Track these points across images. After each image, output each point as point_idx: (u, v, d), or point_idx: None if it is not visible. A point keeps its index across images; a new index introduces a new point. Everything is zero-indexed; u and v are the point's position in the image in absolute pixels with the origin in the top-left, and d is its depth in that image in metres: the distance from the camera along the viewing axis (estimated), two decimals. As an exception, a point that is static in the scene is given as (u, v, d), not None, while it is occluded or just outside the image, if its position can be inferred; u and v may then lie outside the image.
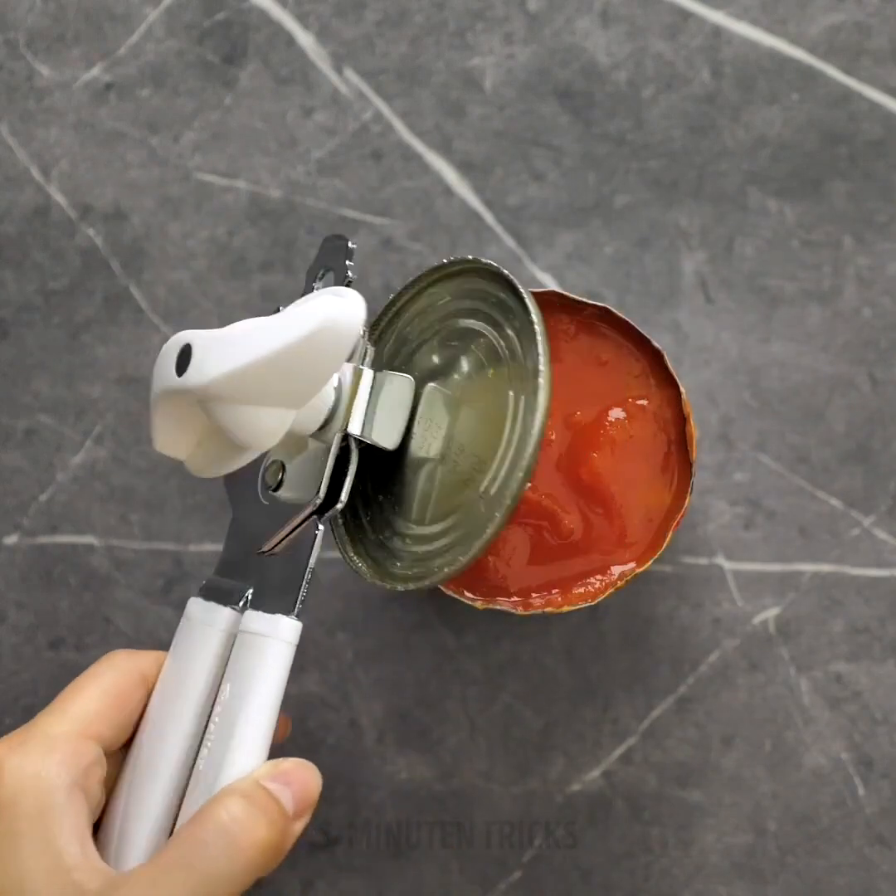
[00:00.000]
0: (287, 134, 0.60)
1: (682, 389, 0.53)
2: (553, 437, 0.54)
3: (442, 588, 0.53)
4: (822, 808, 0.59)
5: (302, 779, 0.47)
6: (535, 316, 0.47)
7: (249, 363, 0.43)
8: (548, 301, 0.54)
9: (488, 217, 0.59)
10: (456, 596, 0.53)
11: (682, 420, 0.54)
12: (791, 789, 0.59)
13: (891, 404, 0.59)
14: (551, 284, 0.59)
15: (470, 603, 0.53)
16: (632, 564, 0.54)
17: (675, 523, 0.53)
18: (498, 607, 0.53)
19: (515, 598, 0.54)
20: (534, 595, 0.54)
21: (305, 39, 0.60)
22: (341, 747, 0.60)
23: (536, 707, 0.59)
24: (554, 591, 0.54)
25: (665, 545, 0.53)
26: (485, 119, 0.59)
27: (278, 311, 0.48)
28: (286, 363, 0.44)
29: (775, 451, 0.59)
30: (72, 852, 0.44)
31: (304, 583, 0.48)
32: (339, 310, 0.43)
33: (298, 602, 0.48)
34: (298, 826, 0.46)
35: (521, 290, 0.48)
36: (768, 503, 0.59)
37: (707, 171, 0.59)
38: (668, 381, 0.54)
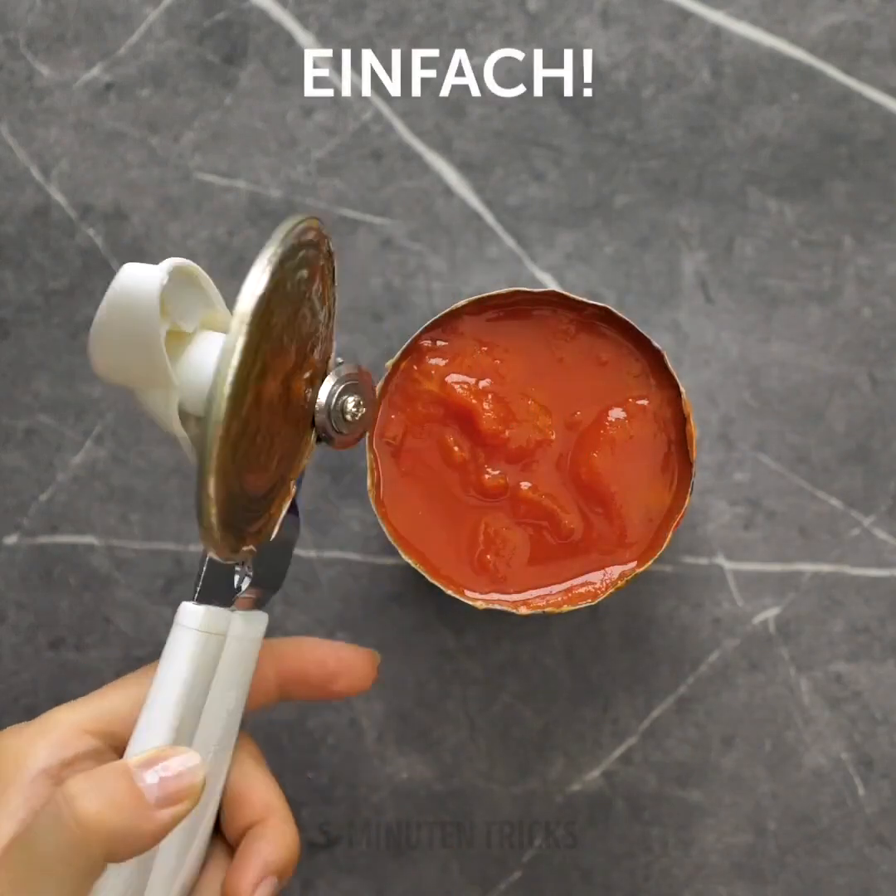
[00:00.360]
0: (287, 134, 0.60)
1: (682, 389, 0.53)
2: (553, 436, 0.54)
3: (442, 588, 0.53)
4: (822, 808, 0.59)
5: (176, 769, 0.46)
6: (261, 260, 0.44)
7: (91, 336, 0.46)
8: (548, 301, 0.54)
9: (488, 217, 0.59)
10: (456, 596, 0.53)
11: (682, 420, 0.54)
12: (791, 789, 0.59)
13: (891, 404, 0.59)
14: (551, 284, 0.59)
15: (470, 603, 0.53)
16: (632, 564, 0.54)
17: (675, 523, 0.53)
18: (498, 607, 0.53)
19: (515, 598, 0.54)
20: (534, 595, 0.54)
21: (305, 39, 0.60)
22: (341, 747, 0.60)
23: (536, 707, 0.59)
24: (554, 591, 0.54)
25: (665, 545, 0.53)
26: (485, 119, 0.59)
27: None
28: (108, 332, 0.46)
29: (775, 451, 0.59)
30: (1, 832, 0.46)
31: (202, 566, 0.48)
32: (130, 273, 0.45)
33: (197, 586, 0.48)
34: (164, 814, 0.45)
35: (277, 235, 0.45)
36: (768, 503, 0.59)
37: (707, 171, 0.59)
38: (668, 381, 0.54)
